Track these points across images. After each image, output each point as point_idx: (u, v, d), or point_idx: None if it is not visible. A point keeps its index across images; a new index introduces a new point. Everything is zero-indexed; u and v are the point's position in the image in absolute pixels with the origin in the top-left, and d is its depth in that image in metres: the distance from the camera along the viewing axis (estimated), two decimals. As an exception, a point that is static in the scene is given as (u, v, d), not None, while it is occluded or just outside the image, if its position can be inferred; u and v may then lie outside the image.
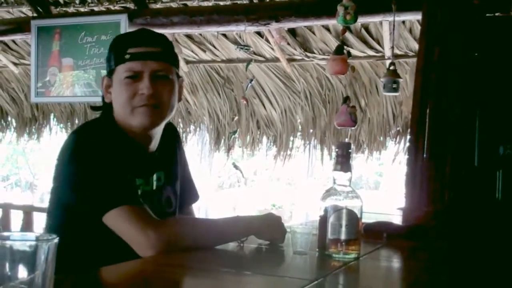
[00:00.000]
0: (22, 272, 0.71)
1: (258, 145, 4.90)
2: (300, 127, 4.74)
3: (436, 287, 1.27)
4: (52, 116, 5.53)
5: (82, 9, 4.23)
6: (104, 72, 3.92)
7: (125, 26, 3.77)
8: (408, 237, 1.83)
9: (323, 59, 4.14)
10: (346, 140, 4.39)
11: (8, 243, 0.71)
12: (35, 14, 4.19)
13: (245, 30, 3.80)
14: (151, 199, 1.57)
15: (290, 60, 4.34)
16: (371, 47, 4.04)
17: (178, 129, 2.77)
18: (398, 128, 4.36)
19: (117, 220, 1.40)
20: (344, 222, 1.36)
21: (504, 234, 1.91)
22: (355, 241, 1.38)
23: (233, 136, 4.84)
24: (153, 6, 3.96)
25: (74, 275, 1.13)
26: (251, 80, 4.31)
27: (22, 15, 4.42)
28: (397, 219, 2.15)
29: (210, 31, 4.05)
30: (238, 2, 3.79)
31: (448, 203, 2.14)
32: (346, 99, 3.37)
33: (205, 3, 3.86)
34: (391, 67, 3.21)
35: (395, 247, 1.74)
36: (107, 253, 1.36)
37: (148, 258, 1.34)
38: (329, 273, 1.27)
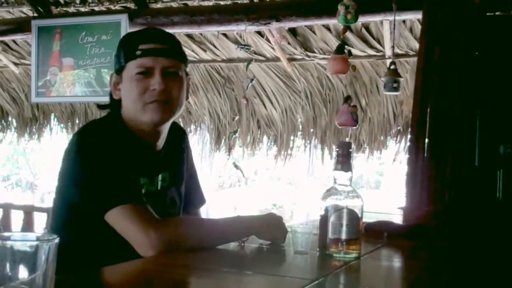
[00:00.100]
0: (23, 273, 0.71)
1: (259, 145, 4.89)
2: (300, 126, 4.74)
3: (436, 286, 1.27)
4: (52, 116, 5.53)
5: (82, 9, 4.22)
6: (104, 71, 3.97)
7: (125, 26, 3.76)
8: (408, 237, 1.83)
9: (324, 58, 4.14)
10: (347, 139, 4.39)
11: (8, 243, 0.71)
12: (35, 14, 4.19)
13: (245, 30, 3.80)
14: (155, 199, 1.57)
15: (291, 59, 4.33)
16: (371, 47, 4.03)
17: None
18: (398, 128, 4.36)
19: (118, 219, 1.41)
20: (344, 222, 1.36)
21: (505, 234, 1.91)
22: (355, 241, 1.38)
23: (233, 136, 4.83)
24: (154, 5, 3.95)
25: (75, 275, 1.13)
26: (252, 80, 4.30)
27: (23, 15, 4.42)
28: (397, 219, 2.15)
29: (210, 30, 4.04)
30: (239, 1, 3.79)
31: (448, 203, 2.14)
32: (347, 99, 3.35)
33: (206, 3, 3.86)
34: (392, 67, 3.20)
35: (396, 247, 1.74)
36: (110, 253, 1.36)
37: (149, 258, 1.34)
38: (330, 273, 1.27)
